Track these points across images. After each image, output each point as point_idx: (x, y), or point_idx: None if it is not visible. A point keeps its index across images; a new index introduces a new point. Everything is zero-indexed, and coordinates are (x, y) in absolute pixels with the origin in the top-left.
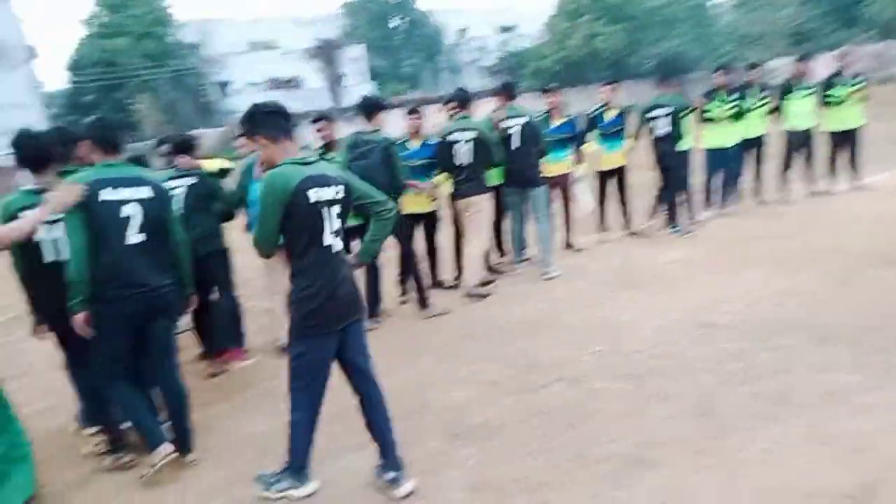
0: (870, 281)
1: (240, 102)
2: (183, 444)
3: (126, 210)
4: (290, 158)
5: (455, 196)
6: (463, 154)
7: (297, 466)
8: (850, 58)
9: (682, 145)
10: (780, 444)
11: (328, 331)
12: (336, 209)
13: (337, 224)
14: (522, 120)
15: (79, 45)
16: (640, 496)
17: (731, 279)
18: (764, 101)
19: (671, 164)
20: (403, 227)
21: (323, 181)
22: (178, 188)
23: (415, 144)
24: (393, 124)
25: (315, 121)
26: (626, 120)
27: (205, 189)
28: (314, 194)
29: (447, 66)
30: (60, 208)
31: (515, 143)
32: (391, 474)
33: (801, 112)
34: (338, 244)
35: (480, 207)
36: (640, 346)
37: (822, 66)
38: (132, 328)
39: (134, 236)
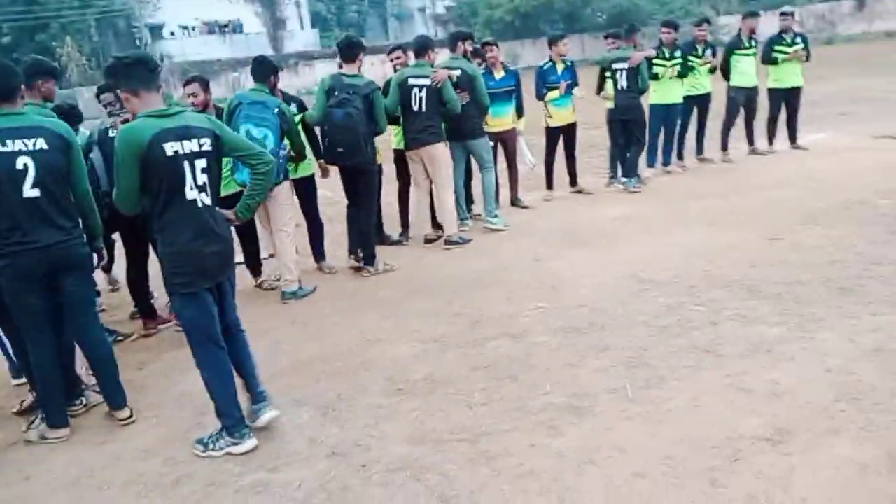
0: (798, 238)
1: (173, 47)
2: (113, 399)
3: (20, 162)
4: (147, 111)
5: (411, 145)
6: (419, 102)
7: (230, 424)
8: (792, 18)
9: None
10: (706, 392)
11: (198, 288)
12: (201, 162)
13: (203, 177)
14: (458, 73)
15: None
16: (573, 443)
17: (670, 237)
18: (708, 59)
19: (635, 117)
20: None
21: (184, 133)
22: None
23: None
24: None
25: (186, 84)
26: (576, 74)
27: None
28: (171, 147)
29: (395, 14)
30: None
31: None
32: (255, 406)
33: (746, 70)
34: (204, 198)
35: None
36: (581, 301)
37: (767, 24)
38: (38, 284)
39: (28, 190)
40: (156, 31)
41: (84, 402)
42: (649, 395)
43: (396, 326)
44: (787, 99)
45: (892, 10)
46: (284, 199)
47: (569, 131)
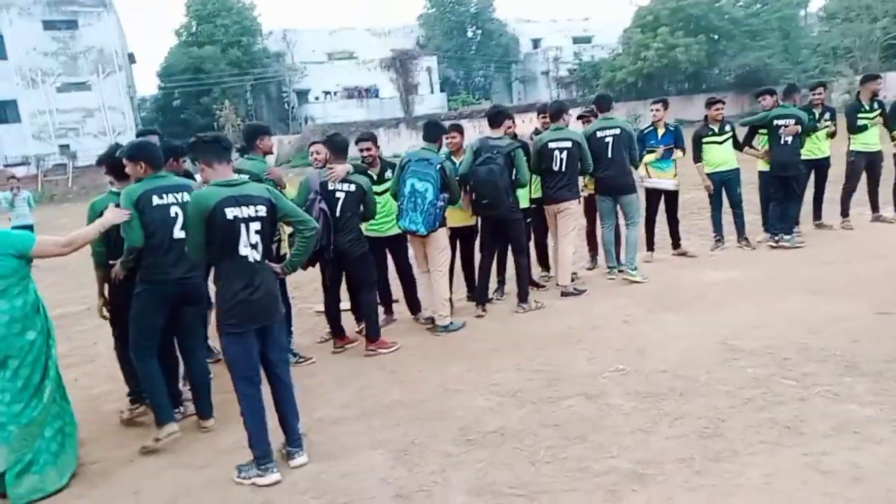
0: None
1: (317, 110)
2: (204, 411)
3: (172, 211)
4: (217, 180)
5: (548, 200)
6: (558, 162)
7: (259, 456)
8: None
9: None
10: (780, 471)
11: (244, 329)
12: (255, 225)
13: (256, 238)
14: (616, 131)
15: (169, 52)
16: None
17: (770, 304)
18: (826, 123)
19: (797, 172)
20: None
21: (244, 200)
22: None
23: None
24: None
25: (359, 141)
26: (681, 138)
27: None
28: (231, 212)
29: (520, 77)
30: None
31: (611, 152)
32: (289, 448)
33: (868, 134)
34: (254, 254)
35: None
36: (664, 366)
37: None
38: (167, 309)
39: (177, 232)
40: (302, 95)
41: (183, 411)
42: (719, 468)
43: (477, 378)
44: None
45: None
46: (442, 242)
47: (670, 194)
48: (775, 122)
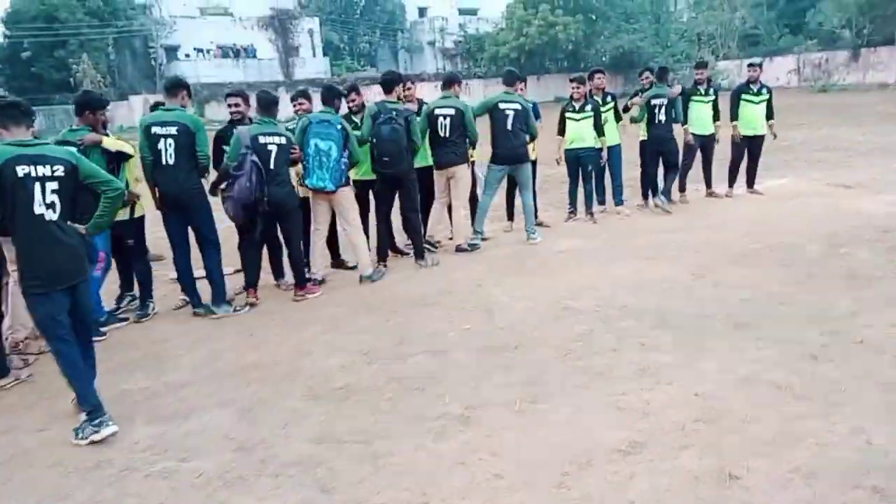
0: (720, 276)
1: (188, 68)
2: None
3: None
4: (9, 140)
5: (438, 165)
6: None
7: (90, 411)
8: (760, 69)
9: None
10: (584, 409)
11: (49, 289)
12: (52, 184)
13: (52, 197)
14: (517, 106)
15: None
16: (455, 447)
17: (606, 268)
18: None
19: (671, 148)
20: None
21: (38, 160)
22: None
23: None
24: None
25: (228, 95)
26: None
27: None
28: (22, 170)
29: (406, 46)
30: None
31: (510, 125)
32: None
33: (702, 118)
34: (50, 213)
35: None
36: (505, 324)
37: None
38: None
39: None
40: (172, 52)
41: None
42: (535, 408)
43: (333, 340)
44: (750, 146)
45: (886, 62)
46: (350, 199)
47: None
48: (651, 101)
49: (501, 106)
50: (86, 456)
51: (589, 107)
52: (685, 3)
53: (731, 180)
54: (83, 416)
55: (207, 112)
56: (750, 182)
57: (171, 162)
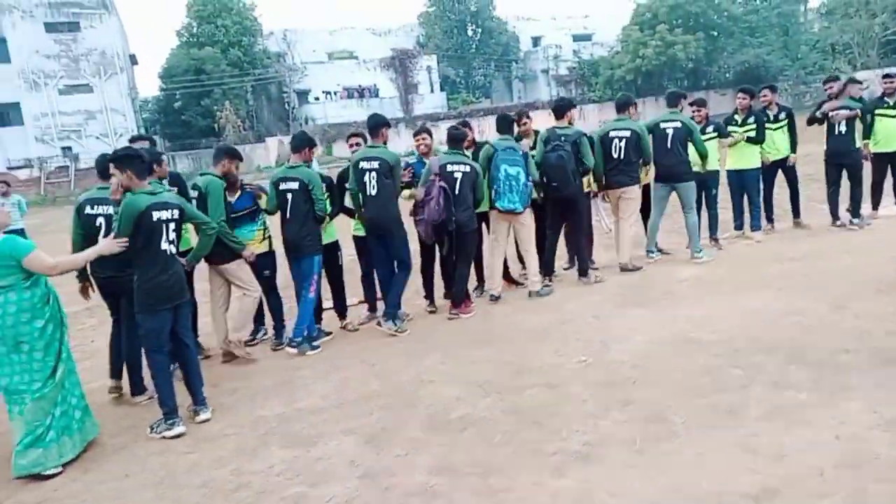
0: (864, 307)
1: (317, 110)
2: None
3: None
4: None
5: (609, 186)
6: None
7: (167, 413)
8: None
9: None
10: (713, 450)
11: (160, 308)
12: (172, 225)
13: (172, 235)
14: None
15: (171, 54)
16: (572, 485)
17: (734, 299)
18: (782, 123)
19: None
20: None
21: (163, 206)
22: None
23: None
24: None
25: (349, 136)
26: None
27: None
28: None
29: (520, 76)
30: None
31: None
32: (195, 407)
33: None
34: (171, 248)
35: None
36: (624, 357)
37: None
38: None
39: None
40: (303, 95)
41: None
42: (657, 448)
43: (450, 370)
44: (892, 163)
45: None
46: (529, 220)
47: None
48: (661, 125)
49: (612, 134)
50: (228, 478)
51: (710, 128)
52: (816, 13)
53: (876, 202)
54: (160, 416)
55: (336, 150)
56: None
57: (288, 216)
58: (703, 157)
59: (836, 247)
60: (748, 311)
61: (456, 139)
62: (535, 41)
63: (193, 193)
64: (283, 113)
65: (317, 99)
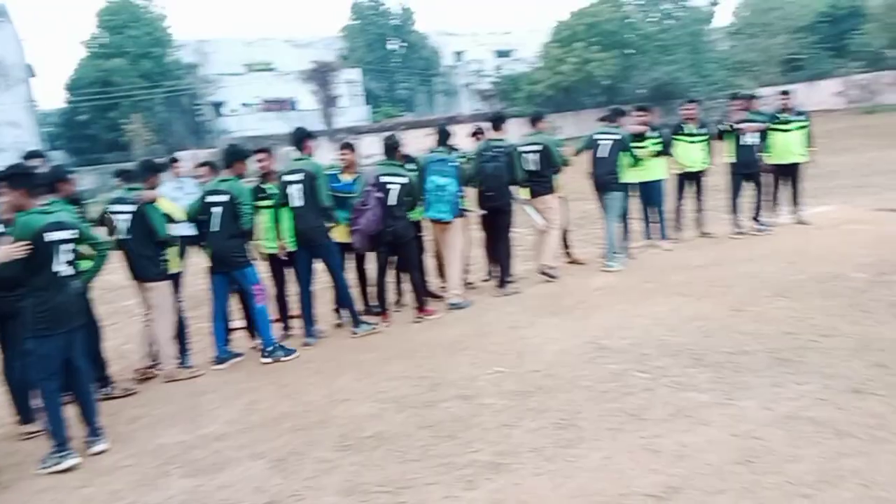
0: (761, 310)
1: (233, 123)
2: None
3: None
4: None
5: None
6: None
7: (58, 445)
8: (793, 96)
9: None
10: (619, 452)
11: (52, 333)
12: (68, 246)
13: (68, 256)
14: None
15: (78, 65)
16: (483, 496)
17: (642, 306)
18: (703, 137)
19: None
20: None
21: (57, 227)
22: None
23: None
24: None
25: (256, 151)
26: None
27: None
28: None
29: (442, 90)
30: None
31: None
32: (89, 438)
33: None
34: (67, 270)
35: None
36: (538, 366)
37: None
38: None
39: None
40: (218, 108)
41: None
42: (566, 453)
43: (365, 387)
44: (789, 174)
45: None
46: (458, 231)
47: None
48: (594, 137)
49: (525, 148)
50: None
51: (655, 133)
52: (723, 33)
53: (774, 210)
54: (52, 449)
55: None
56: (794, 211)
57: (215, 229)
58: (635, 165)
59: (738, 254)
60: (655, 317)
61: (390, 148)
62: (458, 56)
63: (131, 209)
64: (196, 126)
65: (233, 111)
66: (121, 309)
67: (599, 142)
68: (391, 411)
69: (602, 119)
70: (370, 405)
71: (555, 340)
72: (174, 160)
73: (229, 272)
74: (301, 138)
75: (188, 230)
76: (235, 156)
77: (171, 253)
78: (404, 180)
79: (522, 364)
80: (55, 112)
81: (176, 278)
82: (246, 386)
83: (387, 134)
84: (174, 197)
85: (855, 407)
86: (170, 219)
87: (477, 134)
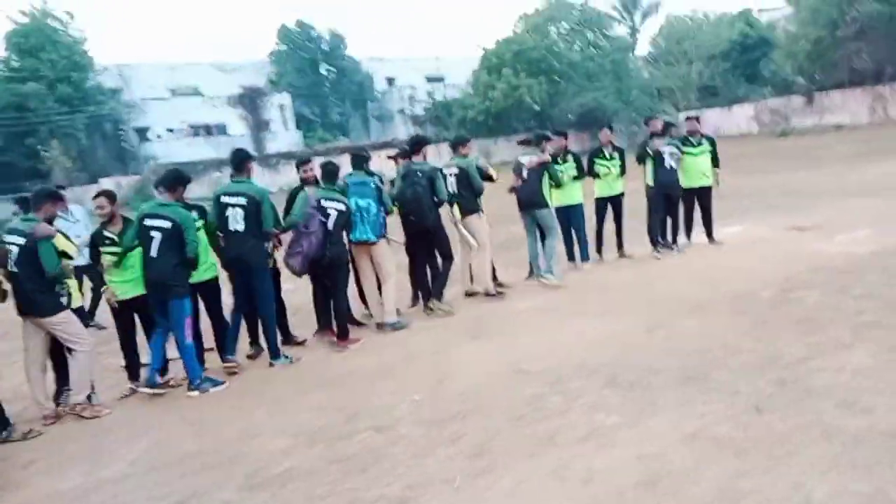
0: (674, 328)
1: (159, 149)
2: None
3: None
4: None
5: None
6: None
7: None
8: (696, 123)
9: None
10: (528, 479)
11: None
12: None
13: None
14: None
15: None
16: None
17: (563, 327)
18: (615, 162)
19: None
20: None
21: None
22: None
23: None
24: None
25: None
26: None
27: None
28: None
29: (376, 115)
30: None
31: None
32: None
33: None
34: None
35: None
36: (457, 393)
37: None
38: None
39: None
40: (143, 133)
41: None
42: (476, 483)
43: (280, 421)
44: (699, 197)
45: (839, 105)
46: (386, 252)
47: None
48: (518, 159)
49: (445, 171)
50: None
51: (570, 157)
52: (643, 60)
53: (688, 231)
54: None
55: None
56: (708, 233)
57: (154, 255)
58: (558, 186)
59: (655, 274)
60: (574, 338)
61: (330, 173)
62: (390, 81)
63: (20, 242)
64: (120, 152)
65: (159, 137)
66: (18, 347)
67: (523, 165)
68: (303, 446)
69: (521, 143)
70: (283, 440)
71: (477, 364)
72: (61, 188)
73: (165, 300)
74: (241, 160)
75: (81, 260)
76: (176, 181)
77: (72, 286)
78: (342, 207)
79: (442, 390)
80: None
81: (79, 312)
82: (155, 421)
83: (324, 160)
84: (66, 226)
85: (755, 424)
86: (65, 255)
87: (397, 157)
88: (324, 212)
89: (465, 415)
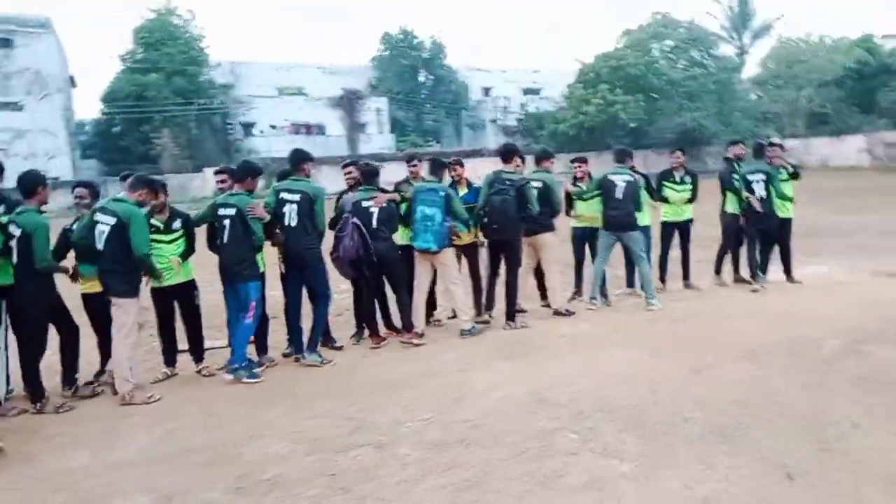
0: (720, 372)
1: (262, 144)
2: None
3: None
4: None
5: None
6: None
7: None
8: (777, 150)
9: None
10: None
11: None
12: None
13: None
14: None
15: (114, 78)
16: None
17: (600, 357)
18: (685, 187)
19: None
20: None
21: None
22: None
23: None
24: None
25: (217, 172)
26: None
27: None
28: None
29: (469, 123)
30: None
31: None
32: None
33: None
34: None
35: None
36: (470, 416)
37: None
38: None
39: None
40: (248, 128)
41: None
42: None
43: (287, 424)
44: (778, 230)
45: None
46: (450, 260)
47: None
48: (609, 176)
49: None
50: None
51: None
52: (750, 83)
53: (764, 266)
54: None
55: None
56: (786, 270)
57: (226, 240)
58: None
59: (715, 309)
60: (607, 370)
61: (370, 174)
62: (486, 91)
63: (111, 221)
64: (225, 144)
65: (262, 132)
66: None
67: (616, 182)
68: (301, 453)
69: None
70: (284, 444)
71: (499, 387)
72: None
73: (235, 285)
74: (299, 160)
75: None
76: (247, 171)
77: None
78: (384, 204)
79: (454, 411)
80: (89, 122)
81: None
82: (176, 411)
83: (363, 161)
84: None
85: (781, 495)
86: None
87: (452, 166)
88: (365, 212)
89: (469, 442)
